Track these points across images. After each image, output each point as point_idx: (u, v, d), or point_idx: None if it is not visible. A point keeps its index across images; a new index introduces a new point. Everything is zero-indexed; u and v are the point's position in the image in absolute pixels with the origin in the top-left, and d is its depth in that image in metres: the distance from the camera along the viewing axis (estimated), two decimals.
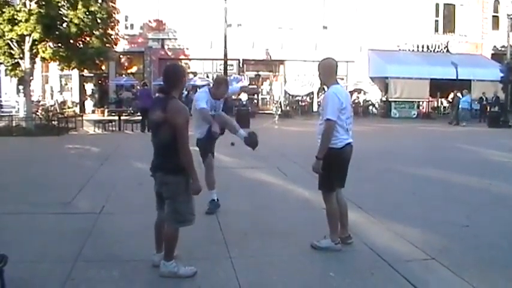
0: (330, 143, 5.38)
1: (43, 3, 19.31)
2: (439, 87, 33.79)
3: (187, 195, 4.76)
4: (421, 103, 34.96)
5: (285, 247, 5.77)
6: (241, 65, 34.07)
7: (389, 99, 33.76)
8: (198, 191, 4.78)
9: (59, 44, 20.68)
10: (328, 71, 5.66)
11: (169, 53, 33.85)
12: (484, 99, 31.54)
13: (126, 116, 22.56)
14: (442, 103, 36.37)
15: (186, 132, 4.62)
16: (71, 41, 20.87)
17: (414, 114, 34.07)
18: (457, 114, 28.12)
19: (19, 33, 18.93)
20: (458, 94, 29.11)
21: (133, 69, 35.28)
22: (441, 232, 6.34)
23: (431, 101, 35.40)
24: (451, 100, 31.14)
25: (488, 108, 30.24)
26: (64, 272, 4.86)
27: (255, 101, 34.39)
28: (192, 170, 4.67)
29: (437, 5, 36.59)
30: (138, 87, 32.16)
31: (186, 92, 32.38)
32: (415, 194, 8.86)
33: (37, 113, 24.58)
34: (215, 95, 7.14)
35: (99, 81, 35.19)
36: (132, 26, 33.60)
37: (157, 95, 5.56)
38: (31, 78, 21.54)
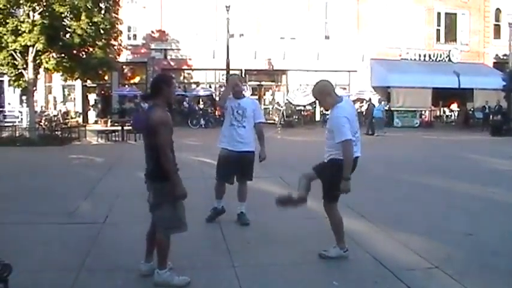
0: (352, 160, 5.34)
1: (46, 14, 19.41)
2: (441, 96, 33.86)
3: (174, 202, 4.75)
4: (423, 112, 35.02)
5: (289, 256, 5.77)
6: (243, 75, 34.13)
7: (392, 109, 33.79)
8: (183, 196, 4.73)
9: (62, 55, 20.77)
10: (324, 94, 5.56)
11: (172, 63, 33.96)
12: (487, 108, 31.54)
13: (129, 126, 22.65)
14: (444, 112, 36.44)
15: (165, 138, 4.61)
16: (74, 52, 20.96)
17: (417, 123, 34.10)
18: (371, 124, 26.65)
19: (23, 44, 19.02)
20: (373, 102, 28.74)
21: (136, 80, 35.38)
22: (444, 240, 6.34)
23: (434, 110, 35.50)
24: (365, 110, 29.54)
25: (491, 116, 30.24)
26: (68, 282, 4.87)
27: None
28: (172, 176, 4.65)
29: (438, 14, 36.72)
30: (142, 104, 32.17)
31: (187, 105, 32.48)
32: (418, 202, 8.85)
33: (40, 123, 24.65)
34: (233, 95, 7.13)
35: (102, 92, 35.30)
36: (135, 36, 33.79)
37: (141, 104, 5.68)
38: (34, 88, 21.63)
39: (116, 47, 23.47)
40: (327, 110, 5.73)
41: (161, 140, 4.59)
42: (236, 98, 7.08)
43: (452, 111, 36.43)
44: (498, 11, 37.30)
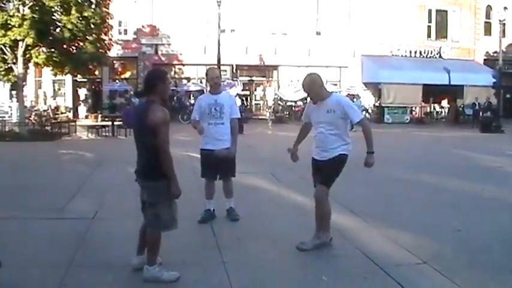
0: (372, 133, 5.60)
1: (36, 8, 19.28)
2: (431, 92, 33.95)
3: (168, 200, 4.74)
4: (413, 108, 35.15)
5: (278, 251, 5.79)
6: (234, 71, 34.09)
7: (383, 105, 33.90)
8: (178, 195, 4.72)
9: (52, 49, 20.65)
10: (317, 86, 5.61)
11: (163, 58, 33.82)
12: (477, 104, 31.69)
13: (119, 121, 22.57)
14: (434, 108, 36.58)
15: (165, 137, 4.58)
16: (65, 46, 20.87)
17: (407, 119, 34.24)
18: None
19: (12, 38, 18.91)
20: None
21: (127, 75, 35.22)
22: (433, 236, 6.36)
23: (424, 107, 35.61)
24: None
25: (481, 113, 30.40)
26: (57, 277, 4.84)
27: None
28: (171, 174, 4.63)
29: (430, 11, 36.81)
30: (133, 99, 31.99)
31: (177, 100, 32.33)
32: (408, 198, 8.88)
33: (30, 118, 24.52)
34: (211, 89, 7.02)
35: (93, 87, 35.10)
36: (125, 31, 33.61)
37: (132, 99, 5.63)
38: (24, 83, 21.50)
39: (106, 42, 23.30)
40: (315, 103, 5.73)
41: (162, 140, 4.56)
42: (213, 94, 6.95)
43: (443, 107, 36.60)
44: (489, 8, 37.44)
